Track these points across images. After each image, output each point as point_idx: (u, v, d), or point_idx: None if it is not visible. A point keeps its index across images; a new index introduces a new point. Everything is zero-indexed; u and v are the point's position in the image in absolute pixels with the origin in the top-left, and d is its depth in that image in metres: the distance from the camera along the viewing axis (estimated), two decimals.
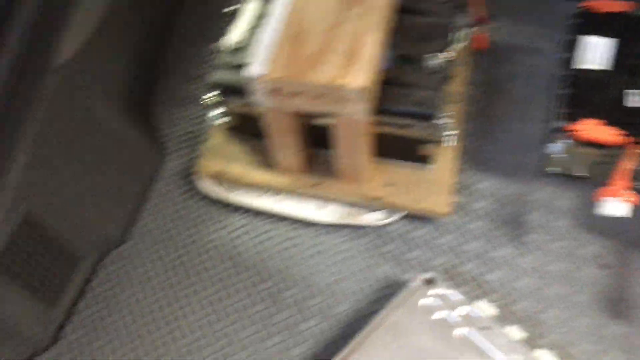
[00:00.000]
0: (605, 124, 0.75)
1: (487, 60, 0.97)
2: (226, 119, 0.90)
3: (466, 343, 0.71)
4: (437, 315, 0.73)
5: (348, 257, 0.85)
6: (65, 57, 0.67)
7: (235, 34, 0.80)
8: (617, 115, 0.76)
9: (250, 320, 0.81)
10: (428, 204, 0.83)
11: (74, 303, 0.86)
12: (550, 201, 0.86)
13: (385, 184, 0.86)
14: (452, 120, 0.78)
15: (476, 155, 0.91)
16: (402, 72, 0.75)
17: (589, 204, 0.84)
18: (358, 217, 0.87)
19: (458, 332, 0.71)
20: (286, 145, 0.82)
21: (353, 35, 0.70)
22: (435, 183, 0.85)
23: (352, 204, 0.88)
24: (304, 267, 0.85)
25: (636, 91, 0.77)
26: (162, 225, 0.91)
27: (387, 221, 0.86)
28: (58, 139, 0.76)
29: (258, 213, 0.90)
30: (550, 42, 0.95)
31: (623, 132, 0.74)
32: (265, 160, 0.90)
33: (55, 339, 0.83)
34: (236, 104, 0.84)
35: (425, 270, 0.78)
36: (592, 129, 0.75)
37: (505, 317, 0.77)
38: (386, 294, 0.81)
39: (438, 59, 0.73)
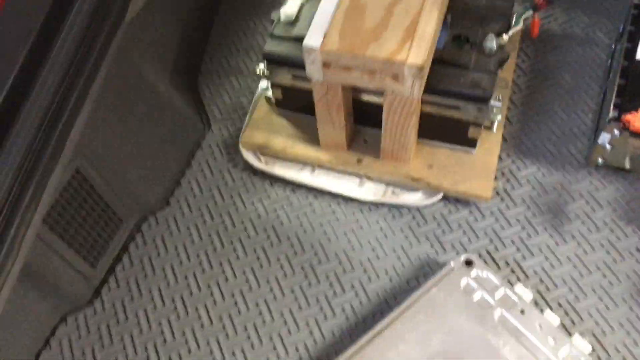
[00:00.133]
0: None
1: (538, 48, 0.97)
2: (273, 92, 0.91)
3: (502, 325, 0.72)
4: (475, 296, 0.74)
5: (386, 235, 0.86)
6: (131, 15, 0.68)
7: (290, 6, 0.81)
8: None
9: (287, 290, 0.83)
10: (469, 187, 0.84)
11: (114, 264, 0.88)
12: (592, 192, 0.86)
13: (428, 165, 0.86)
14: (501, 105, 0.78)
15: (520, 143, 0.91)
16: (457, 52, 0.75)
17: (632, 197, 0.84)
18: (398, 196, 0.88)
19: (494, 314, 0.72)
20: (332, 121, 0.83)
21: (412, 13, 0.70)
22: (477, 167, 0.85)
23: (393, 183, 0.88)
24: (342, 242, 0.86)
25: None
26: (204, 191, 0.93)
27: (427, 202, 0.87)
28: (112, 101, 0.78)
29: (298, 186, 0.92)
30: (605, 33, 0.95)
31: None
32: (309, 135, 0.91)
33: (94, 297, 0.85)
34: (285, 76, 0.85)
35: (463, 253, 0.79)
36: None
37: (541, 301, 0.78)
38: (422, 273, 0.82)
39: (496, 42, 0.73)
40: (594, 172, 0.88)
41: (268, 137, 0.92)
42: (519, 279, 0.80)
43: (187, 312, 0.83)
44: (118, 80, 0.79)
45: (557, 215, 0.85)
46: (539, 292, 0.79)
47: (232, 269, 0.86)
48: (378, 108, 0.79)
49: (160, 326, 0.82)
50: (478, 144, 0.85)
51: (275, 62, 0.83)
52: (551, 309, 0.76)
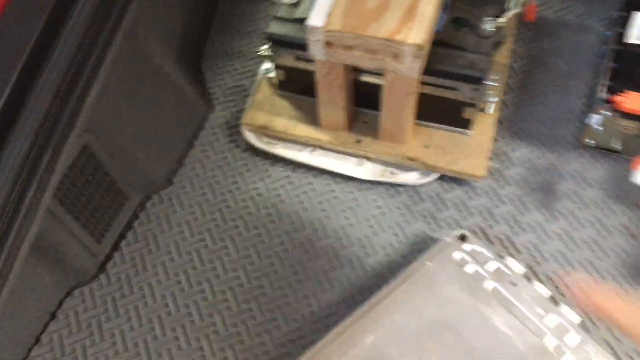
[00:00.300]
0: None
1: (532, 33, 1.00)
2: (275, 74, 0.94)
3: (494, 296, 0.75)
4: (468, 269, 0.77)
5: (383, 213, 0.89)
6: None
7: None
8: None
9: (287, 263, 0.86)
10: (464, 167, 0.87)
11: (119, 240, 0.90)
12: (582, 172, 0.89)
13: (424, 145, 0.89)
14: (496, 88, 0.81)
15: (513, 125, 0.94)
16: (454, 34, 0.78)
17: (621, 177, 0.87)
18: (395, 175, 0.91)
19: (487, 285, 0.75)
20: (333, 101, 0.86)
21: None
22: (472, 147, 0.88)
23: (391, 163, 0.91)
24: (340, 219, 0.89)
25: None
26: (207, 171, 0.96)
27: (423, 181, 0.90)
28: (120, 79, 0.80)
29: (299, 166, 0.94)
30: (598, 20, 0.98)
31: None
32: (309, 116, 0.93)
33: (99, 272, 0.88)
34: (288, 57, 0.88)
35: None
36: (635, 100, 0.78)
37: (531, 276, 0.81)
38: (418, 248, 0.85)
39: (492, 24, 0.75)
40: (585, 153, 0.91)
41: (270, 118, 0.95)
42: (510, 254, 0.83)
43: (190, 286, 0.85)
44: (125, 60, 0.81)
45: (548, 194, 0.88)
46: (529, 266, 0.82)
47: (234, 245, 0.88)
48: (378, 90, 0.82)
49: (164, 299, 0.84)
50: (473, 126, 0.88)
51: (278, 43, 0.86)
52: (541, 282, 0.80)
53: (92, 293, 0.86)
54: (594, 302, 0.43)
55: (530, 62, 0.99)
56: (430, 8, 0.71)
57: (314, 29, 0.72)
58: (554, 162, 0.90)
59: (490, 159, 0.90)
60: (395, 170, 0.91)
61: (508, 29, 0.86)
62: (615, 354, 0.75)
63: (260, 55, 0.89)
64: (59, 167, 0.65)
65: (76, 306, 0.85)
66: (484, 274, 0.76)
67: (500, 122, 0.93)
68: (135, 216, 0.92)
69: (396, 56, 0.71)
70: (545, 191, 0.88)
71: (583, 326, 0.75)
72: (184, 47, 0.98)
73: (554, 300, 0.78)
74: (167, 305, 0.84)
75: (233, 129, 1.00)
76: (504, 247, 0.84)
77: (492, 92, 0.84)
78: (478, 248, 0.79)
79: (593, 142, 0.88)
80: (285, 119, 0.95)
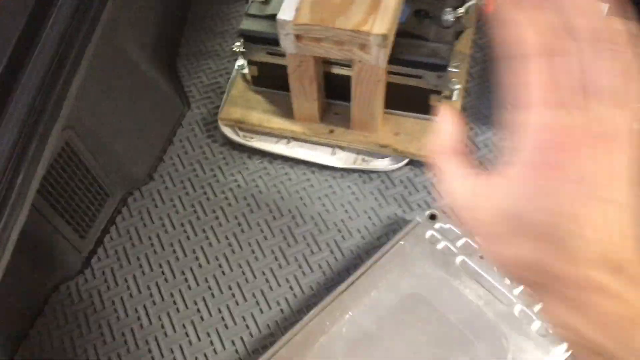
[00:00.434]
0: None
1: (491, 25, 1.05)
2: (248, 70, 0.97)
3: (463, 269, 0.79)
4: (439, 246, 0.81)
5: (357, 199, 0.93)
6: None
7: None
8: None
9: (267, 251, 0.89)
10: None
11: (102, 235, 0.93)
12: None
13: (395, 133, 0.94)
14: (458, 73, 0.86)
15: (476, 112, 0.99)
16: (417, 25, 0.83)
17: None
18: (368, 163, 0.95)
19: (457, 260, 0.80)
20: (305, 93, 0.90)
21: None
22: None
23: (363, 151, 0.96)
24: (317, 206, 0.93)
25: None
26: (186, 165, 0.99)
27: (394, 167, 0.94)
28: (99, 76, 0.83)
29: (275, 157, 0.98)
30: None
31: None
32: (283, 110, 0.97)
33: (85, 266, 0.90)
34: (260, 52, 0.92)
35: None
36: None
37: None
38: (392, 230, 0.89)
39: (452, 15, 0.80)
40: None
41: (245, 112, 0.98)
42: None
43: (174, 276, 0.88)
44: (103, 58, 0.84)
45: None
46: None
47: (215, 235, 0.91)
48: (347, 82, 0.86)
49: (149, 290, 0.87)
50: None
51: (251, 39, 0.89)
52: None
53: (78, 287, 0.88)
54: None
55: (491, 51, 1.04)
56: (393, 1, 0.76)
57: (284, 23, 0.76)
58: None
59: None
60: (367, 158, 0.96)
61: (468, 19, 0.91)
62: None
63: (233, 52, 0.93)
64: (44, 161, 0.67)
65: (62, 300, 0.87)
66: (454, 249, 0.81)
67: (464, 109, 0.99)
68: (117, 212, 0.94)
69: (363, 46, 0.75)
70: None
71: None
72: (159, 46, 1.01)
73: None
74: (151, 295, 0.86)
75: (210, 124, 1.03)
76: None
77: (455, 79, 0.89)
78: (447, 226, 0.83)
79: None
80: (260, 113, 0.98)
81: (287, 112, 0.96)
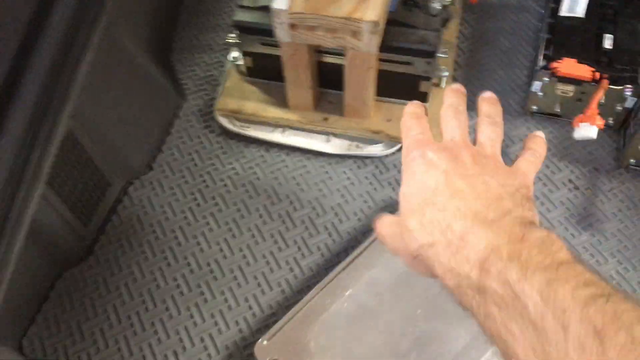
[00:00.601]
0: (581, 63, 0.89)
1: (476, 16, 1.09)
2: (243, 61, 1.00)
3: None
4: None
5: (353, 183, 0.97)
6: None
7: None
8: (591, 56, 0.89)
9: (267, 235, 0.92)
10: None
11: (105, 223, 0.95)
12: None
13: (387, 119, 0.97)
14: (446, 60, 0.90)
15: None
16: (406, 14, 0.86)
17: (563, 137, 0.97)
18: (361, 148, 0.99)
19: None
20: (300, 81, 0.93)
21: None
22: (429, 118, 0.96)
23: (357, 138, 0.99)
24: (313, 192, 0.96)
25: (608, 35, 0.90)
26: (184, 155, 1.01)
27: (387, 152, 0.98)
28: (98, 68, 0.85)
29: (272, 146, 1.01)
30: (535, 1, 1.09)
31: (595, 69, 0.88)
32: (278, 99, 1.00)
33: (88, 254, 0.93)
34: (254, 44, 0.95)
35: None
36: (569, 65, 0.88)
37: None
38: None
39: (439, 3, 0.84)
40: (530, 119, 1.01)
41: (241, 103, 1.01)
42: None
43: (177, 261, 0.91)
44: (104, 50, 0.86)
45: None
46: None
47: (215, 220, 0.94)
48: (341, 71, 0.89)
49: (152, 274, 0.90)
50: (429, 99, 0.97)
51: (245, 30, 0.92)
52: None
53: (83, 274, 0.90)
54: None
55: (476, 41, 1.09)
56: None
57: (279, 11, 0.79)
58: (504, 129, 0.99)
59: None
60: (361, 144, 0.99)
61: (454, 8, 0.95)
62: None
63: (228, 43, 0.95)
64: (53, 147, 0.70)
65: (68, 286, 0.89)
66: None
67: None
68: (118, 201, 0.97)
69: (355, 33, 0.79)
70: None
71: None
72: (153, 40, 1.03)
73: None
74: (155, 280, 0.89)
75: (207, 115, 1.06)
76: None
77: (443, 66, 0.92)
78: None
79: (536, 107, 0.98)
80: (255, 103, 1.01)
81: (281, 101, 1.00)
